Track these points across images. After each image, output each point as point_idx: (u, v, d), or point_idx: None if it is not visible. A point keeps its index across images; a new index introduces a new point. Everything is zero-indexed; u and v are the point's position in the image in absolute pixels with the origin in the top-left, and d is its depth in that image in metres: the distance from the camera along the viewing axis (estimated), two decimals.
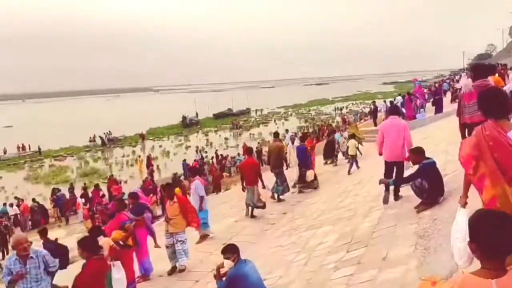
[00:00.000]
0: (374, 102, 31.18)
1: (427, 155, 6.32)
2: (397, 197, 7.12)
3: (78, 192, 23.08)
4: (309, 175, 12.58)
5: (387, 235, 5.73)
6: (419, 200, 6.16)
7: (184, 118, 62.12)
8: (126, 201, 8.70)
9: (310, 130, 41.58)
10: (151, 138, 52.63)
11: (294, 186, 12.78)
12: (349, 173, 13.51)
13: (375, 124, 23.88)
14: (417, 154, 6.25)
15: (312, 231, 7.82)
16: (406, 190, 6.91)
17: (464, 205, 3.55)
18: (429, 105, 25.01)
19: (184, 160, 29.71)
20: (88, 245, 4.80)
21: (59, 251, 6.06)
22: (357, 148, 14.65)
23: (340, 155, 16.64)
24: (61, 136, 50.77)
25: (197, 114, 67.18)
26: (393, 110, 8.07)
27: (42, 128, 63.23)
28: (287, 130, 34.32)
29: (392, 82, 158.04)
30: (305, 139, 14.57)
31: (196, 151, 35.90)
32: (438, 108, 20.95)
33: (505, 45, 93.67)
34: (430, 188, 5.88)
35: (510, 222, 1.88)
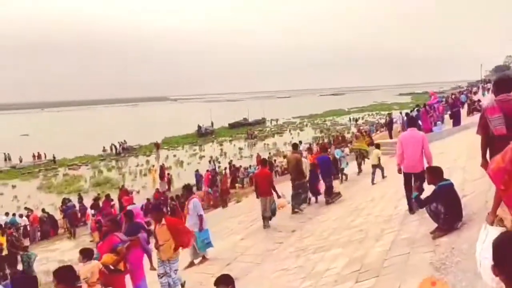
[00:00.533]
0: (390, 114, 30.66)
1: (443, 171, 5.83)
2: (412, 211, 7.13)
3: (88, 201, 22.85)
4: (336, 186, 12.46)
5: (400, 263, 5.24)
6: (435, 223, 5.68)
7: (199, 127, 62.15)
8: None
9: (326, 140, 41.18)
10: (165, 147, 52.58)
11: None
12: (372, 183, 13.23)
13: (391, 137, 23.42)
14: (434, 174, 5.74)
15: (320, 253, 7.35)
16: (421, 211, 6.48)
17: (491, 223, 3.27)
18: (446, 117, 24.42)
19: (197, 170, 29.53)
20: (62, 276, 4.37)
21: (26, 283, 5.71)
22: (379, 158, 14.16)
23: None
24: (77, 145, 51.10)
25: (212, 123, 67.24)
26: (410, 122, 8.37)
27: (58, 137, 63.78)
28: (300, 142, 33.90)
29: (409, 93, 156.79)
30: (326, 150, 14.39)
31: (210, 161, 35.68)
32: (456, 121, 20.40)
33: None
34: (447, 213, 5.37)
35: None
